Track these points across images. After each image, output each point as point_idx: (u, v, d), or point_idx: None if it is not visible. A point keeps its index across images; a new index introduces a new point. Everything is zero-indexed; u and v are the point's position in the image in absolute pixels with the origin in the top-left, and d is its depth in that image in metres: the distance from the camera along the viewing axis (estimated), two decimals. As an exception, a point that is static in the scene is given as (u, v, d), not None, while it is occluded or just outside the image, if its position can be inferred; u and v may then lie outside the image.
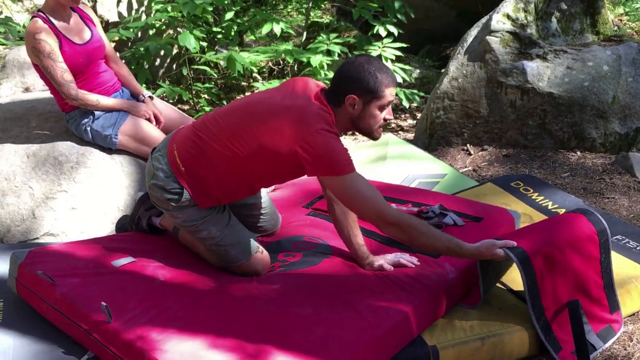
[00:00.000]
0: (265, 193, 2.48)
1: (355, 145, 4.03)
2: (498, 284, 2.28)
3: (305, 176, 2.95)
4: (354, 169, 1.98)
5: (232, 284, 2.13)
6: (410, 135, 4.29)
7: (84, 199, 2.72)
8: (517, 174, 3.32)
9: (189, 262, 2.25)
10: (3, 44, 3.88)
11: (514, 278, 2.29)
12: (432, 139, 3.78)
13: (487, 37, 3.57)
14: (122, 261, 2.17)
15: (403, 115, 4.89)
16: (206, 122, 2.10)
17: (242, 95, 4.92)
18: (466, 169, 3.46)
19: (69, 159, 2.77)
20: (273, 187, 2.92)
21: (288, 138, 1.94)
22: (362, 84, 1.98)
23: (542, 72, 3.47)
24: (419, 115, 4.79)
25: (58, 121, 2.95)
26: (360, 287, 2.07)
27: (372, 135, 2.09)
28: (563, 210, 2.71)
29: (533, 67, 3.48)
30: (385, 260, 2.18)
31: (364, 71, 1.98)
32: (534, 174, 3.27)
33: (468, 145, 3.66)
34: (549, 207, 2.75)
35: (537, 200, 2.81)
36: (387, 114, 2.05)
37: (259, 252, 2.24)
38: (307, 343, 1.78)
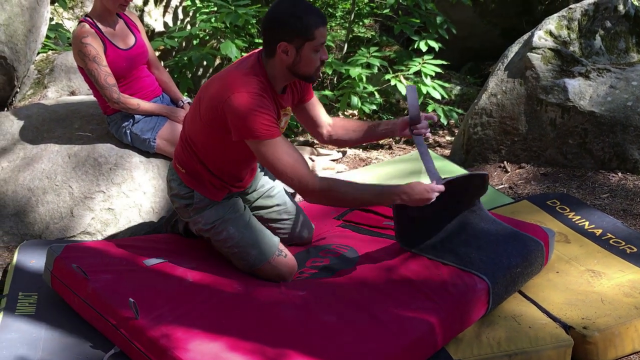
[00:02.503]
0: (288, 200, 2.49)
1: (390, 159, 4.02)
2: (529, 302, 2.23)
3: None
4: (276, 134, 1.97)
5: (259, 288, 2.14)
6: (447, 152, 4.26)
7: (121, 200, 2.78)
8: (554, 192, 3.25)
9: (219, 265, 2.28)
10: (53, 49, 4.02)
11: (548, 297, 2.25)
12: (468, 155, 3.74)
13: (529, 54, 3.53)
14: (154, 261, 2.21)
15: (441, 132, 4.86)
16: (186, 120, 2.20)
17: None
18: (502, 186, 3.41)
19: (108, 161, 2.85)
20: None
21: (216, 105, 1.98)
22: (290, 28, 1.93)
23: (584, 91, 3.41)
24: (457, 131, 4.75)
25: (100, 124, 3.04)
26: (387, 296, 2.06)
27: (311, 79, 2.07)
28: (600, 231, 2.65)
29: (575, 85, 3.43)
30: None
31: (290, 15, 1.93)
32: (572, 194, 3.20)
33: (505, 162, 3.61)
34: (586, 227, 2.69)
35: (573, 220, 2.75)
36: (322, 54, 2.01)
37: (282, 255, 2.24)
38: (329, 351, 1.77)
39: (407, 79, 4.39)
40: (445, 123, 4.49)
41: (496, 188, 3.31)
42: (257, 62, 2.04)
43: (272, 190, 2.47)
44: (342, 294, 2.07)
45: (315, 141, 4.56)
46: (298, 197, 2.85)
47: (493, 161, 3.66)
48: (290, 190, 2.85)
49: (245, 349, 1.76)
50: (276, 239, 2.28)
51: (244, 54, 4.53)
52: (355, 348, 1.79)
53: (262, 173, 2.52)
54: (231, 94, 1.95)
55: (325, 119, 2.36)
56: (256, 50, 2.12)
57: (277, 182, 2.54)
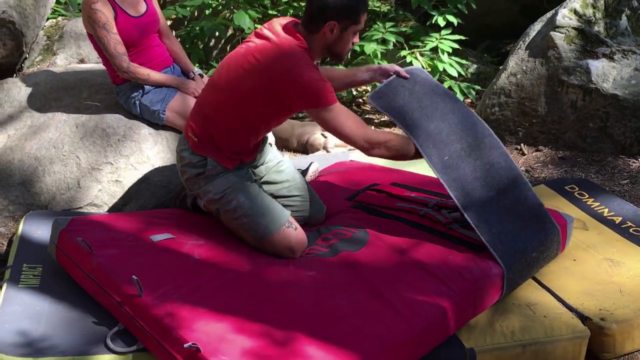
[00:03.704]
0: (299, 177, 2.43)
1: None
2: (545, 290, 2.17)
3: (350, 165, 2.89)
4: (336, 100, 2.08)
5: (267, 267, 2.09)
6: (463, 131, 4.16)
7: (129, 173, 2.73)
8: (572, 177, 3.17)
9: (227, 242, 2.22)
10: (62, 15, 3.94)
11: (564, 286, 2.18)
12: (484, 136, 3.65)
13: (551, 33, 3.42)
14: (161, 236, 2.16)
15: (456, 111, 4.76)
16: (203, 90, 2.24)
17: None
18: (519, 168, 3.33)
19: (116, 132, 2.79)
20: (317, 173, 2.86)
21: (273, 75, 2.03)
22: (344, 10, 2.06)
23: (607, 73, 3.30)
24: (472, 110, 4.65)
25: (109, 93, 2.97)
26: (398, 279, 2.00)
27: (341, 59, 2.19)
28: (620, 219, 2.57)
29: (598, 66, 3.31)
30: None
31: None
32: (590, 179, 3.11)
33: (522, 144, 3.52)
34: (605, 214, 2.61)
35: (592, 206, 2.67)
36: (355, 38, 2.15)
37: (292, 227, 2.20)
38: (338, 334, 1.72)
39: (423, 55, 4.28)
40: (462, 99, 4.37)
41: (512, 171, 3.22)
42: (299, 36, 2.10)
43: (281, 165, 2.43)
44: (353, 276, 2.01)
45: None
46: (308, 176, 2.79)
47: (510, 143, 3.57)
48: (302, 168, 2.80)
49: (252, 330, 1.71)
50: (287, 211, 2.26)
51: (257, 26, 4.44)
52: (366, 332, 1.74)
53: (271, 147, 2.46)
54: (294, 66, 2.03)
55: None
56: (287, 21, 2.16)
57: (286, 157, 2.48)
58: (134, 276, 1.81)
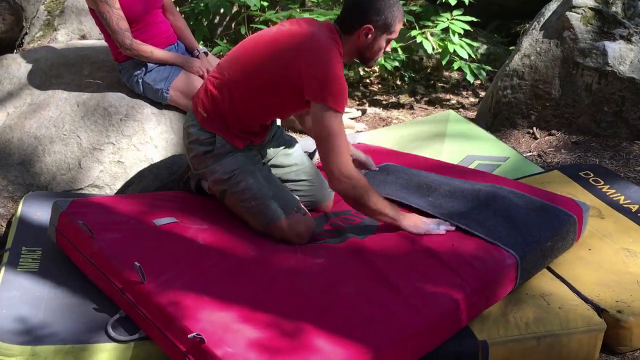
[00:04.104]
0: (307, 161, 2.36)
1: (411, 120, 3.86)
2: (559, 280, 2.10)
3: (357, 147, 2.81)
4: (343, 111, 2.00)
5: (274, 253, 2.02)
6: (472, 114, 4.08)
7: (131, 153, 2.65)
8: (586, 163, 3.09)
9: (232, 227, 2.16)
10: (64, -10, 3.83)
11: (579, 276, 2.11)
12: (495, 119, 3.56)
13: (567, 13, 3.31)
14: (164, 220, 2.09)
15: (465, 92, 4.66)
16: (219, 65, 2.16)
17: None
18: (530, 153, 3.25)
19: (118, 111, 2.71)
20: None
21: (296, 59, 1.97)
22: (382, 16, 2.02)
23: (624, 55, 3.20)
24: (482, 93, 4.56)
25: (111, 71, 2.88)
26: (409, 268, 1.93)
27: (369, 64, 2.17)
28: (636, 207, 2.49)
29: (615, 48, 3.21)
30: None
31: (385, 3, 2.02)
32: (604, 165, 3.03)
33: (534, 128, 3.43)
34: (621, 201, 2.53)
35: (607, 194, 2.59)
36: (388, 46, 2.12)
37: (301, 212, 2.13)
38: (348, 326, 1.66)
39: (433, 35, 4.17)
40: (472, 81, 4.28)
41: (524, 155, 3.14)
42: (335, 33, 2.06)
43: (289, 148, 2.35)
44: (362, 264, 1.95)
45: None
46: (315, 159, 2.71)
47: (521, 127, 3.48)
48: (309, 150, 2.72)
49: (258, 320, 1.65)
50: (296, 197, 2.19)
51: (265, 3, 4.32)
52: (376, 324, 1.68)
53: (280, 129, 2.38)
54: (324, 59, 1.97)
55: None
56: (317, 21, 2.12)
57: (295, 140, 2.41)
58: (136, 263, 1.75)
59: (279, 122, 2.51)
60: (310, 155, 2.72)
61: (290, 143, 2.37)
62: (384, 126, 3.85)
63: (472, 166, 2.90)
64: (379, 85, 4.67)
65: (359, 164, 2.44)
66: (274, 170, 2.28)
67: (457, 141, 3.17)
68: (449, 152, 3.04)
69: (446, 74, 4.85)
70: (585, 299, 2.00)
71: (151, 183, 2.64)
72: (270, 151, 2.31)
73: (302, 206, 2.17)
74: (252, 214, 2.13)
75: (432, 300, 1.79)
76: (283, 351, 1.54)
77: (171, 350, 1.62)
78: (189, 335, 1.53)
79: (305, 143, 2.80)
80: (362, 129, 3.66)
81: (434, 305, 1.77)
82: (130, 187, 2.62)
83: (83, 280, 1.93)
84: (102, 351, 1.70)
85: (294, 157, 2.34)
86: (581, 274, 2.13)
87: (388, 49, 2.11)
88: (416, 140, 3.21)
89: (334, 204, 2.39)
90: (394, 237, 2.10)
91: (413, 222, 2.10)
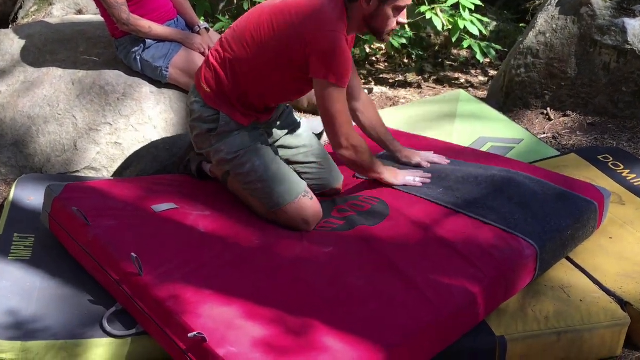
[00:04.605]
0: (316, 143, 2.25)
1: (419, 100, 3.73)
2: (579, 270, 2.00)
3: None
4: (346, 86, 1.94)
5: (279, 241, 1.92)
6: (481, 94, 3.95)
7: (129, 134, 2.54)
8: (603, 145, 2.96)
9: (235, 213, 2.05)
10: (59, -37, 3.67)
11: (598, 265, 2.01)
12: (508, 99, 3.43)
13: (585, -12, 3.16)
14: (164, 206, 1.98)
15: (474, 71, 4.53)
16: (222, 39, 2.04)
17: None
18: (544, 135, 3.12)
19: (115, 90, 2.58)
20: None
21: (303, 38, 1.88)
22: None
23: (644, 33, 3.06)
24: (491, 72, 4.42)
25: (107, 48, 2.76)
26: (422, 257, 1.82)
27: (381, 37, 2.01)
28: (658, 193, 2.38)
29: (635, 25, 3.07)
30: (421, 158, 2.30)
31: None
32: (622, 147, 2.91)
33: (548, 109, 3.30)
34: (642, 187, 2.42)
35: (628, 179, 2.47)
36: (401, 17, 1.97)
37: (308, 197, 2.03)
38: (358, 322, 1.55)
39: (443, 12, 4.02)
40: (481, 60, 4.14)
41: (538, 137, 3.02)
42: (341, 2, 1.93)
43: (298, 129, 2.24)
44: (372, 254, 1.84)
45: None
46: (322, 140, 2.59)
47: (535, 107, 3.35)
48: (315, 131, 2.60)
49: (263, 316, 1.54)
50: (303, 181, 2.09)
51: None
52: (388, 320, 1.57)
53: (288, 109, 2.26)
54: (325, 33, 1.86)
55: (360, 93, 2.25)
56: None
57: (304, 121, 2.29)
58: (133, 254, 1.64)
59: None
60: (318, 137, 2.61)
61: (299, 124, 2.26)
62: (391, 106, 3.73)
63: (484, 149, 2.78)
64: (386, 64, 4.55)
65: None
66: (282, 152, 2.17)
67: (468, 122, 3.04)
68: (460, 134, 2.92)
69: (454, 52, 4.72)
70: (608, 291, 1.90)
71: (150, 165, 2.52)
72: (278, 131, 2.20)
73: (310, 190, 2.06)
74: (256, 197, 2.03)
75: (448, 293, 1.69)
76: (289, 350, 1.44)
77: (170, 347, 1.52)
78: (190, 335, 1.42)
79: (312, 124, 2.69)
80: (369, 109, 3.53)
81: (450, 299, 1.67)
82: (128, 170, 2.51)
83: (78, 270, 1.83)
84: (97, 347, 1.60)
85: (303, 138, 2.23)
86: (602, 264, 2.03)
87: (403, 19, 1.97)
88: (425, 121, 3.09)
89: (344, 188, 2.27)
90: (405, 225, 1.99)
91: (393, 174, 2.17)
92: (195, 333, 1.43)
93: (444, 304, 1.65)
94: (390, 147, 2.32)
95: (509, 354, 1.73)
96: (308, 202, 2.02)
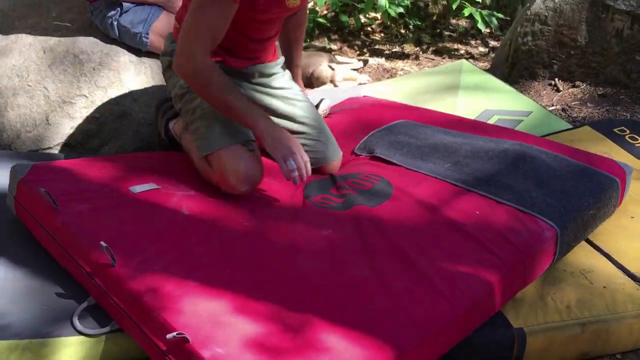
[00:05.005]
0: (317, 114, 2.06)
1: (421, 71, 3.53)
2: (600, 253, 1.82)
3: (364, 101, 2.50)
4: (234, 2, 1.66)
5: (272, 223, 1.72)
6: (482, 65, 3.75)
7: (107, 107, 2.32)
8: (616, 117, 2.78)
9: (221, 194, 1.85)
10: None
11: (620, 248, 1.84)
12: (513, 70, 3.23)
13: (598, -51, 2.95)
14: (143, 187, 1.78)
15: (473, 42, 4.32)
16: None
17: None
18: (553, 107, 2.94)
19: (91, 58, 2.36)
20: (328, 111, 2.47)
21: None
22: None
23: (661, -3, 2.86)
24: (492, 42, 4.22)
25: (82, 13, 2.53)
26: (432, 244, 1.64)
27: None
28: (680, 168, 2.20)
29: (650, -11, 2.87)
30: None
31: None
32: (636, 119, 2.73)
33: (556, 79, 3.11)
34: (662, 161, 2.24)
35: (647, 152, 2.30)
36: None
37: (250, 150, 1.79)
38: (363, 317, 1.37)
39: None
40: (483, 30, 3.94)
41: (547, 110, 2.83)
42: None
43: (295, 95, 2.05)
44: (376, 239, 1.65)
45: (333, 47, 4.06)
46: (322, 110, 2.39)
47: (542, 78, 3.15)
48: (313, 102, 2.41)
49: (255, 311, 1.36)
50: (250, 133, 1.84)
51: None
52: (398, 316, 1.39)
53: (284, 72, 2.06)
54: None
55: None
56: None
57: (299, 89, 2.09)
58: (102, 242, 1.44)
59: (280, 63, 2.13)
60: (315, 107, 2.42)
61: (295, 89, 2.06)
62: (388, 78, 3.53)
63: (491, 122, 2.59)
64: (382, 34, 4.36)
65: None
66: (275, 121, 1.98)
67: (473, 94, 2.85)
68: (464, 107, 2.73)
69: (453, 21, 4.52)
70: (633, 277, 1.73)
71: (130, 142, 2.32)
72: (264, 90, 2.01)
73: (257, 149, 1.83)
74: (197, 138, 1.82)
75: (463, 285, 1.50)
76: (285, 351, 1.26)
77: (149, 347, 1.34)
78: (168, 336, 1.24)
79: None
80: (365, 81, 3.33)
81: (466, 291, 1.48)
82: (106, 147, 2.30)
83: (46, 260, 1.63)
84: (66, 346, 1.41)
85: (300, 107, 2.03)
86: (625, 246, 1.86)
87: None
88: (427, 93, 2.90)
89: (343, 166, 2.08)
90: (411, 206, 1.80)
91: (274, 136, 1.73)
92: (174, 334, 1.24)
93: (460, 297, 1.47)
94: (289, 63, 2.15)
95: (529, 348, 1.56)
96: (246, 154, 1.77)
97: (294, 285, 1.45)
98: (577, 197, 1.81)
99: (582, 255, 1.82)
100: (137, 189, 1.75)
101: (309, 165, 1.76)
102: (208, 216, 1.70)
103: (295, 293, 1.43)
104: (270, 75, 2.01)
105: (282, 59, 2.11)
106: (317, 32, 4.19)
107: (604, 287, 1.69)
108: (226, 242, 1.59)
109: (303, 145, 1.98)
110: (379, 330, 1.33)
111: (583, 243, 1.87)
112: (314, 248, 1.61)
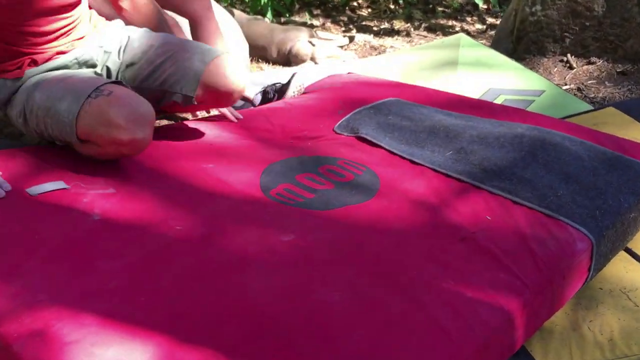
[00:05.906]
0: (160, 38, 1.69)
1: (415, 47, 3.15)
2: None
3: (346, 79, 2.15)
4: None
5: (211, 226, 1.30)
6: (481, 42, 3.36)
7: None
8: (639, 97, 2.40)
9: (156, 190, 1.43)
10: None
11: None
12: (519, 44, 2.84)
13: None
14: (45, 187, 1.36)
15: (469, 18, 3.96)
16: None
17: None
18: (567, 87, 2.55)
19: None
20: (302, 89, 2.07)
21: None
22: None
23: (692, -43, 2.48)
24: (489, 19, 3.85)
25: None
26: (430, 258, 1.23)
27: None
28: None
29: (680, -51, 2.48)
30: None
31: None
32: (663, 100, 2.35)
33: (569, 55, 2.72)
34: None
35: (685, 137, 1.91)
36: None
37: (103, 94, 1.45)
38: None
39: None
40: (480, 5, 3.58)
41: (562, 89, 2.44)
42: None
43: (130, 42, 1.69)
44: (356, 251, 1.24)
45: (316, 23, 3.68)
46: (290, 92, 1.98)
47: (552, 53, 2.76)
48: (282, 82, 2.00)
49: (191, 356, 0.94)
50: (98, 80, 1.52)
51: None
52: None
53: (102, 31, 1.69)
54: None
55: None
56: None
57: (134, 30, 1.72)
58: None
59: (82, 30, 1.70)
60: (283, 88, 2.02)
61: (124, 34, 1.70)
62: (376, 55, 3.14)
63: (497, 102, 2.20)
64: (369, 10, 4.02)
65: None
66: (129, 73, 1.67)
67: (474, 71, 2.49)
68: (465, 85, 2.35)
69: (448, -4, 4.16)
70: (688, 297, 1.34)
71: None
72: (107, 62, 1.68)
73: (111, 86, 1.48)
74: (55, 133, 1.50)
75: (471, 314, 1.10)
76: None
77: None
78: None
79: (279, 76, 2.09)
80: (350, 58, 2.95)
81: (475, 323, 1.08)
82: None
83: None
84: None
85: (138, 45, 1.68)
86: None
87: None
88: (421, 70, 2.52)
89: (317, 144, 1.66)
90: (402, 205, 1.40)
91: None
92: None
93: (467, 335, 1.06)
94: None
95: (562, 399, 1.16)
96: (102, 100, 1.44)
97: (240, 321, 1.04)
98: (614, 195, 1.42)
99: (621, 268, 1.44)
100: (37, 189, 1.33)
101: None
102: (129, 221, 1.28)
103: (243, 332, 1.01)
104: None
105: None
106: (297, 6, 3.81)
107: (654, 311, 1.30)
108: (148, 254, 1.17)
109: (167, 80, 1.63)
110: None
111: (621, 253, 1.48)
112: (273, 262, 1.20)
